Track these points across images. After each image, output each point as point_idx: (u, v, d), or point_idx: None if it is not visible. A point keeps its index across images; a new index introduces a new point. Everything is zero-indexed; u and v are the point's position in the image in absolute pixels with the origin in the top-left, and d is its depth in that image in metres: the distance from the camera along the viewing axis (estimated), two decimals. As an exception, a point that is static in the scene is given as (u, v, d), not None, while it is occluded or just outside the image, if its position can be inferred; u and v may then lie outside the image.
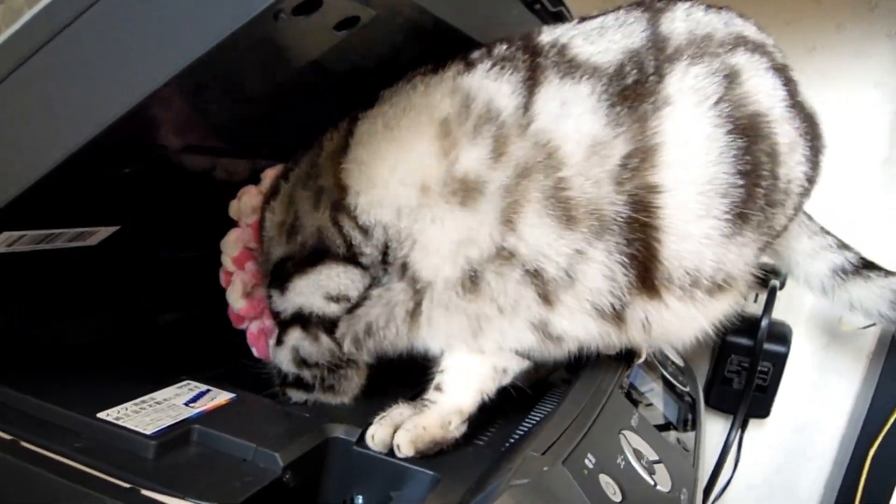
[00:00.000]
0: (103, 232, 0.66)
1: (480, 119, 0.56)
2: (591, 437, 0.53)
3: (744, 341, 1.08)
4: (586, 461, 0.50)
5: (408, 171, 0.58)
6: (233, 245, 0.73)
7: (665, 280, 0.57)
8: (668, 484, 0.57)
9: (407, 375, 0.65)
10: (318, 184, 0.62)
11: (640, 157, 0.54)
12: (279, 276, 0.65)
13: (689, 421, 0.89)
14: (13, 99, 0.47)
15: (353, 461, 0.57)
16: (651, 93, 0.55)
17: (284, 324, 0.65)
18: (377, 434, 0.57)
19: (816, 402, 1.14)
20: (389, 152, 0.58)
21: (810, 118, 0.63)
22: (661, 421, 0.82)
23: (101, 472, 0.47)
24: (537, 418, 0.65)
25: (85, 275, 0.72)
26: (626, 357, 0.73)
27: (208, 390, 0.63)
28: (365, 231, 0.60)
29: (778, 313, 1.08)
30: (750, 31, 0.61)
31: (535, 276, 0.56)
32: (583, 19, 0.62)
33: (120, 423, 0.53)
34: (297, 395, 0.66)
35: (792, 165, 0.60)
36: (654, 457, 0.59)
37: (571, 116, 0.55)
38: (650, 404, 0.84)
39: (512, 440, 0.61)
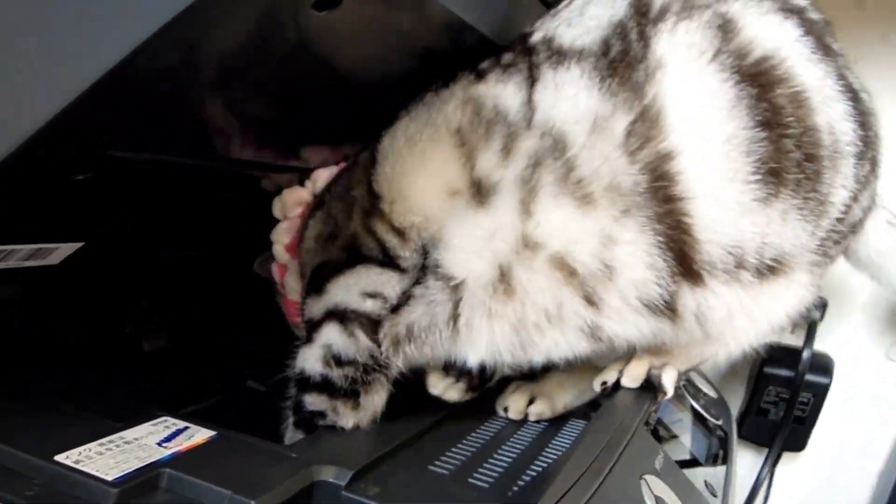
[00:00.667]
0: (65, 249, 0.62)
1: (491, 123, 0.58)
2: (608, 485, 0.46)
3: (783, 372, 1.05)
4: (602, 515, 0.43)
5: (433, 179, 0.60)
6: (284, 234, 0.73)
7: (706, 264, 0.54)
8: (694, 535, 0.51)
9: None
10: (352, 195, 0.66)
11: (646, 125, 0.53)
12: (316, 281, 0.65)
13: (719, 456, 0.83)
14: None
15: (340, 508, 0.51)
16: (640, 59, 0.54)
17: (317, 324, 0.64)
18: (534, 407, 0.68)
19: (854, 435, 1.09)
20: (414, 165, 0.61)
21: (844, 71, 0.57)
22: (686, 456, 0.76)
23: (51, 525, 0.42)
24: (550, 459, 0.59)
25: (56, 296, 0.67)
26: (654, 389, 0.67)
27: (186, 427, 0.57)
28: (400, 233, 0.61)
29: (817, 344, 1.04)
30: None
31: (570, 272, 0.55)
32: (567, 4, 0.61)
33: (79, 466, 0.47)
34: (316, 402, 0.62)
35: (831, 114, 0.55)
36: (678, 504, 0.53)
37: (567, 98, 0.56)
38: (675, 436, 0.78)
39: (520, 484, 0.54)
